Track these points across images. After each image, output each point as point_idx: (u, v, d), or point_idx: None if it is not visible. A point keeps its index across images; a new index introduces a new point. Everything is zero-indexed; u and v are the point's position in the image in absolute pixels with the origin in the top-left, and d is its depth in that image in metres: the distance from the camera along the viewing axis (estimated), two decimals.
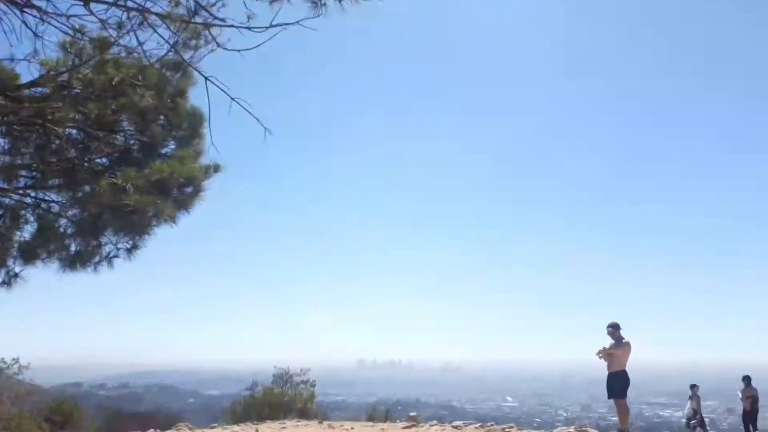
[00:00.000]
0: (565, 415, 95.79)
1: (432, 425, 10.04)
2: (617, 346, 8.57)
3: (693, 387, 13.63)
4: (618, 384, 8.47)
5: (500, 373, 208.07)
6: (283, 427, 11.10)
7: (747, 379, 13.81)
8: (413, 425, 10.00)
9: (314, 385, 15.42)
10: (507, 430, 9.23)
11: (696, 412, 13.16)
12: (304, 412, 14.33)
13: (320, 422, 11.71)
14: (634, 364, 8.91)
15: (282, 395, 14.65)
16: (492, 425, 9.64)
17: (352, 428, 10.47)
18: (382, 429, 10.23)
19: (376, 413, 14.49)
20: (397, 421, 12.32)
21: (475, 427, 9.43)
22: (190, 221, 6.45)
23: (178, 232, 6.55)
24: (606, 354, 8.47)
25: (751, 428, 13.42)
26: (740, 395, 13.88)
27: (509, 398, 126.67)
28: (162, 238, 6.58)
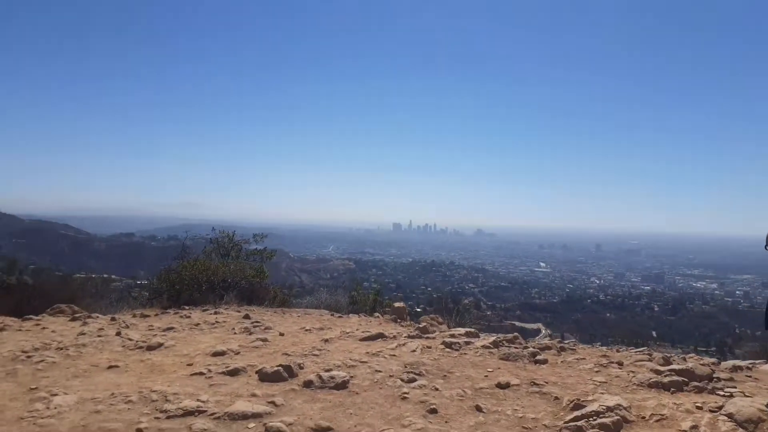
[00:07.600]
0: (598, 282, 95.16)
1: (410, 336, 6.88)
2: None
3: None
4: None
5: (534, 239, 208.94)
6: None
7: None
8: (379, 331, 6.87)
9: (271, 257, 12.18)
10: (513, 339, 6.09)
11: None
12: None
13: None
14: None
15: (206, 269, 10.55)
16: (501, 335, 6.53)
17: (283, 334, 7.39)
18: (306, 329, 7.20)
19: (360, 299, 11.31)
20: (378, 315, 9.42)
21: (489, 341, 6.31)
22: None
23: None
24: None
25: None
26: None
27: (542, 264, 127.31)
28: None
